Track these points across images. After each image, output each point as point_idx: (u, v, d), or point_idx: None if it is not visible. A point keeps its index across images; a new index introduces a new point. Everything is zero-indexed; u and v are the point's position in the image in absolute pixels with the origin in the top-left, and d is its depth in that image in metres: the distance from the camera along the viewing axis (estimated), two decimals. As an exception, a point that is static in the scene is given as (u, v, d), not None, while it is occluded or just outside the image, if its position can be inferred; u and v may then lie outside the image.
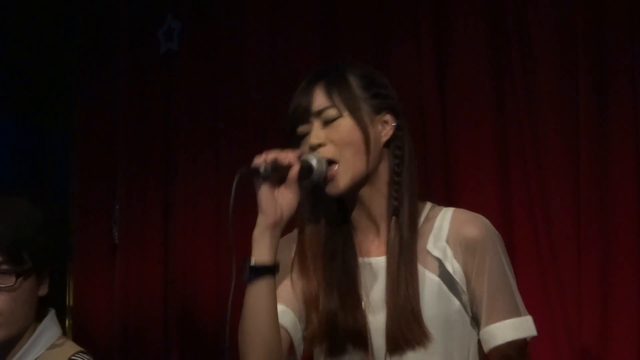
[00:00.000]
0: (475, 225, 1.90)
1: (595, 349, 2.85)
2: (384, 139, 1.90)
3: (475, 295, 1.87)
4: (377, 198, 1.91)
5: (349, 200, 1.92)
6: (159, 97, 3.91)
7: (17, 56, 4.12)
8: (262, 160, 1.80)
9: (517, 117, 3.05)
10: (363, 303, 1.86)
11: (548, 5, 3.03)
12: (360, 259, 1.91)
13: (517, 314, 1.89)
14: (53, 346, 2.09)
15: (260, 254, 1.81)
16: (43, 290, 2.09)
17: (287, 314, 1.89)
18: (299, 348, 1.91)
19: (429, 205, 1.96)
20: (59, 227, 3.35)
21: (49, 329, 2.11)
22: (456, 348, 1.87)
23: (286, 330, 1.88)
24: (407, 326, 1.81)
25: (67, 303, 4.00)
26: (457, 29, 3.19)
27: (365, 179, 1.89)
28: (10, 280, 2.00)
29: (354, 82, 1.90)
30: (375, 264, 1.90)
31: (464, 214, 1.93)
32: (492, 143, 3.09)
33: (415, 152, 1.96)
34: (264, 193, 1.81)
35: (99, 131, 4.07)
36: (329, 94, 1.88)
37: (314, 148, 1.86)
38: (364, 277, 1.89)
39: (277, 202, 1.81)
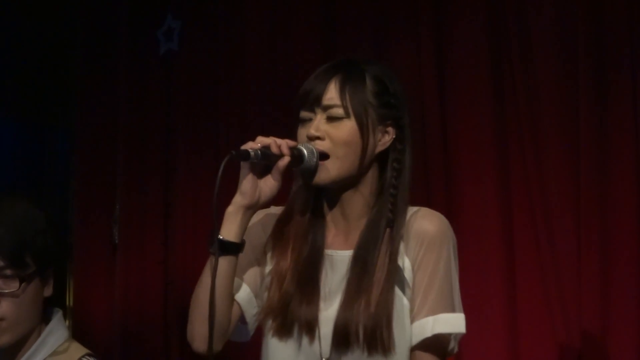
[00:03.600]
0: (430, 220, 1.92)
1: (595, 348, 2.85)
2: (380, 148, 1.93)
3: (415, 285, 1.89)
4: (356, 201, 1.93)
5: (330, 197, 1.95)
6: (159, 97, 3.91)
7: (17, 56, 4.12)
8: (255, 145, 1.83)
9: (517, 116, 3.06)
10: (320, 293, 1.89)
11: (548, 5, 3.03)
12: (325, 250, 1.94)
13: (451, 309, 1.91)
14: (56, 352, 2.07)
15: (229, 231, 1.85)
16: (47, 292, 2.06)
17: (243, 290, 1.92)
18: (252, 322, 1.95)
19: None
20: (60, 227, 3.34)
21: (56, 332, 2.08)
22: (403, 345, 1.88)
23: (239, 305, 1.92)
24: (380, 332, 1.83)
25: (67, 303, 4.00)
26: (457, 28, 3.20)
27: (350, 181, 1.91)
28: (14, 286, 1.97)
29: (369, 85, 1.92)
30: (336, 256, 1.93)
31: (424, 211, 1.95)
32: (492, 143, 3.10)
33: (414, 164, 1.97)
34: (247, 175, 1.84)
35: (99, 131, 4.07)
36: (342, 91, 1.89)
37: (311, 138, 1.89)
38: (325, 267, 1.92)
39: (258, 186, 1.85)
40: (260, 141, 1.84)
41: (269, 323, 1.90)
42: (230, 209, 1.86)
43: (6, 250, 1.97)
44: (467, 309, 3.02)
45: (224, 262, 1.84)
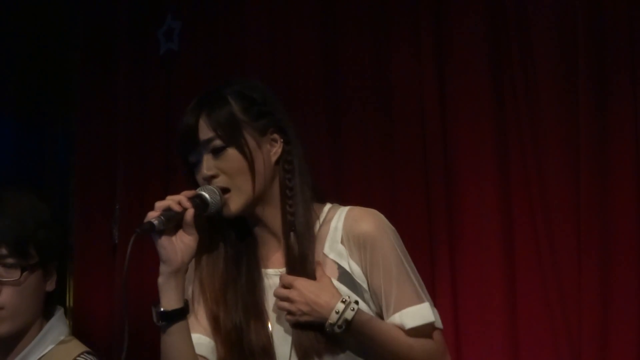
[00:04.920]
0: (365, 221, 1.93)
1: (595, 349, 2.85)
2: (274, 157, 1.95)
3: (374, 290, 1.90)
4: (273, 213, 1.95)
5: (249, 218, 1.96)
6: (159, 97, 3.90)
7: (17, 56, 4.12)
8: (155, 213, 1.84)
9: (517, 117, 3.06)
10: (266, 313, 1.91)
11: (548, 5, 3.03)
12: (263, 270, 1.95)
13: (415, 302, 1.90)
14: (60, 343, 2.08)
15: (169, 300, 1.86)
16: (50, 286, 2.08)
17: (202, 342, 1.93)
18: None
19: (327, 206, 1.99)
20: (64, 222, 3.34)
21: (57, 327, 2.11)
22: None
23: (204, 357, 1.92)
24: (315, 337, 1.85)
25: (67, 303, 4.00)
26: (457, 28, 3.20)
27: (258, 199, 1.93)
28: (15, 275, 1.99)
29: (235, 106, 1.93)
30: (274, 275, 1.94)
31: (356, 211, 1.96)
32: (492, 143, 3.10)
33: (308, 156, 1.98)
34: (163, 244, 1.85)
35: (99, 131, 4.06)
36: (212, 124, 1.91)
37: (207, 179, 1.90)
38: (267, 287, 1.94)
39: (177, 248, 1.85)
40: (159, 206, 1.85)
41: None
42: (160, 280, 1.87)
43: (9, 240, 1.99)
44: (468, 309, 3.07)
45: (176, 331, 1.86)
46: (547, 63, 3.02)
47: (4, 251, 1.99)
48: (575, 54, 2.95)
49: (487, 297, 3.05)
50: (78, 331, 3.90)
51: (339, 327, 1.82)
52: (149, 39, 3.92)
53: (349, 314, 1.82)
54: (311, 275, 1.88)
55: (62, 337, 2.10)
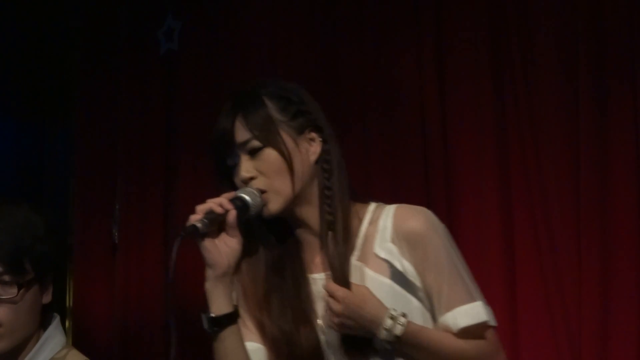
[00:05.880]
0: (415, 219, 1.89)
1: (595, 349, 2.85)
2: (313, 157, 1.91)
3: (427, 289, 1.87)
4: (313, 214, 1.91)
5: (290, 219, 1.94)
6: (159, 97, 3.91)
7: (17, 57, 4.12)
8: (197, 216, 1.82)
9: (517, 117, 3.06)
10: (315, 319, 1.88)
11: (548, 6, 3.04)
12: (309, 276, 1.92)
13: (467, 300, 1.88)
14: (55, 359, 2.05)
15: (218, 305, 1.85)
16: (46, 298, 2.04)
17: (255, 348, 1.90)
18: None
19: (372, 205, 1.96)
20: (59, 233, 3.32)
21: (53, 338, 2.07)
22: None
23: None
24: (364, 342, 1.82)
25: (67, 304, 4.00)
26: (457, 29, 3.20)
27: (298, 199, 1.89)
28: (12, 292, 1.95)
29: (271, 106, 1.90)
30: (320, 280, 1.90)
31: (405, 209, 1.92)
32: (493, 144, 3.10)
33: (343, 156, 1.96)
34: (207, 247, 1.84)
35: (99, 131, 4.06)
36: (249, 125, 1.88)
37: (245, 181, 1.87)
38: (314, 293, 1.90)
39: (221, 251, 1.84)
40: (201, 209, 1.83)
41: None
42: (207, 285, 1.86)
43: (5, 256, 1.95)
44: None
45: (228, 337, 1.85)
46: (547, 64, 3.02)
47: None
48: (575, 54, 2.96)
49: (487, 297, 3.03)
50: (78, 331, 3.91)
51: (389, 343, 1.79)
52: (149, 39, 3.92)
53: (399, 330, 1.79)
54: (347, 277, 1.84)
55: (59, 347, 2.06)
